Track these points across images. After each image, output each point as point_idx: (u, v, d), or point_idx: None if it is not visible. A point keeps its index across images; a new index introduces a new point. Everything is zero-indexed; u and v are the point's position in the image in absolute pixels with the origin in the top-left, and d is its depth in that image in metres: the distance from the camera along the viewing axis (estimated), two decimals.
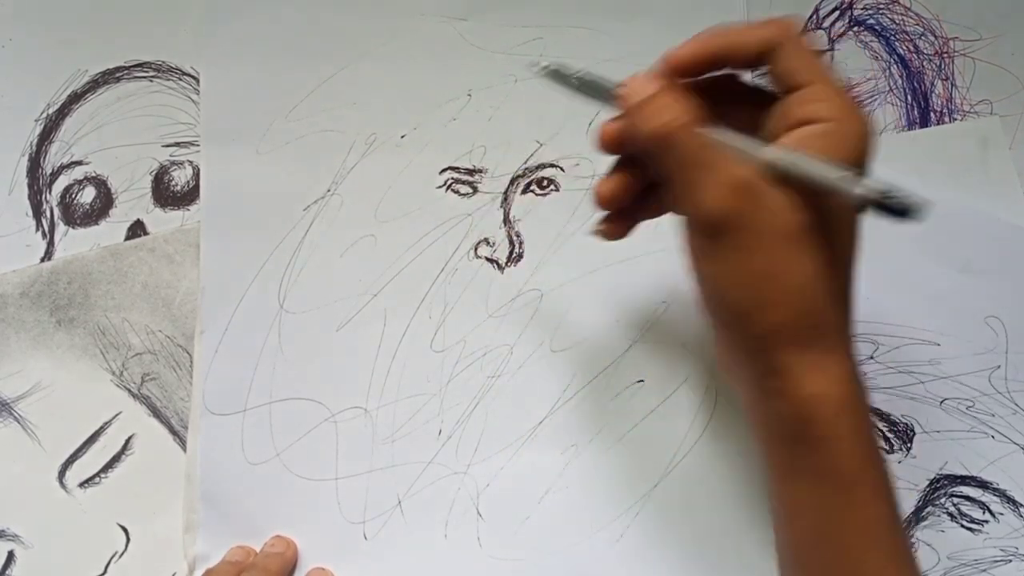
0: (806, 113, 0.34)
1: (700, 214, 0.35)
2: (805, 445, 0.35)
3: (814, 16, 0.53)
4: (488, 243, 0.50)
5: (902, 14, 0.53)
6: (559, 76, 0.39)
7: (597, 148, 0.38)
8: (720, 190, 0.34)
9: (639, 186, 0.39)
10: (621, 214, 0.40)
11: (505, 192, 0.50)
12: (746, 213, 0.34)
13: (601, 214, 0.40)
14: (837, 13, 0.53)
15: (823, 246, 0.34)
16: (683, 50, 0.37)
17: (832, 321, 0.35)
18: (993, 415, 0.49)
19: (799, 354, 0.35)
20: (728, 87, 0.38)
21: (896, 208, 0.31)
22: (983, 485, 0.48)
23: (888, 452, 0.49)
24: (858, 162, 0.34)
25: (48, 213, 0.51)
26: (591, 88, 0.39)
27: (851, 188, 0.32)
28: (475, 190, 0.50)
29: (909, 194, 0.31)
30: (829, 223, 0.34)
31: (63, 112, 0.51)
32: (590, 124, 0.51)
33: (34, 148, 0.51)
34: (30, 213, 0.51)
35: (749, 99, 0.38)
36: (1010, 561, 0.48)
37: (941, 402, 0.49)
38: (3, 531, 0.48)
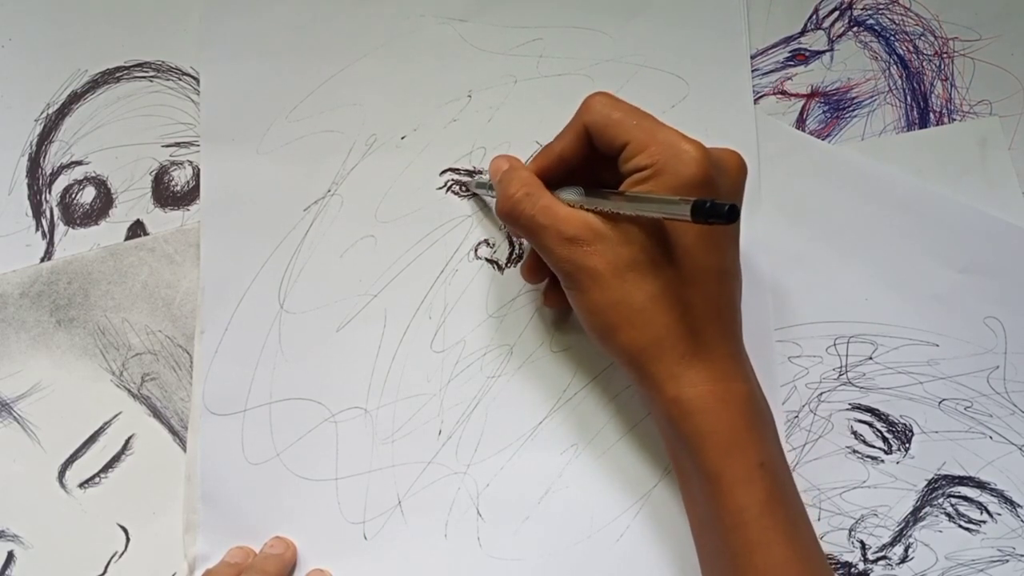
0: (629, 168, 0.40)
1: (551, 266, 0.42)
2: (679, 442, 0.41)
3: (814, 16, 0.53)
4: (488, 244, 0.50)
5: (902, 14, 0.53)
6: (481, 186, 0.49)
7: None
8: (557, 245, 0.41)
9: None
10: (554, 284, 0.47)
11: None
12: (581, 258, 0.40)
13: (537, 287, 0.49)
14: (837, 13, 0.53)
15: (660, 272, 0.40)
16: (531, 165, 0.45)
17: (683, 331, 0.40)
18: (991, 416, 0.49)
19: (657, 363, 0.40)
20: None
21: (708, 212, 0.34)
22: (981, 485, 0.48)
23: (887, 452, 0.49)
24: (692, 186, 0.39)
25: (48, 213, 0.51)
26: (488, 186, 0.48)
27: (670, 211, 0.37)
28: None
29: (717, 202, 0.34)
30: (666, 250, 0.40)
31: (63, 112, 0.51)
32: None
33: (34, 148, 0.51)
34: (30, 213, 0.51)
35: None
36: (1007, 561, 0.48)
37: (939, 402, 0.49)
38: (3, 531, 0.48)
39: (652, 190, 0.39)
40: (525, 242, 0.50)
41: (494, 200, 0.46)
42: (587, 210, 0.41)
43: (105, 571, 0.48)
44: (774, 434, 0.42)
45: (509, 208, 0.43)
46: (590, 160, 0.43)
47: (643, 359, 0.41)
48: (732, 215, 0.34)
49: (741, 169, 0.42)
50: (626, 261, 0.40)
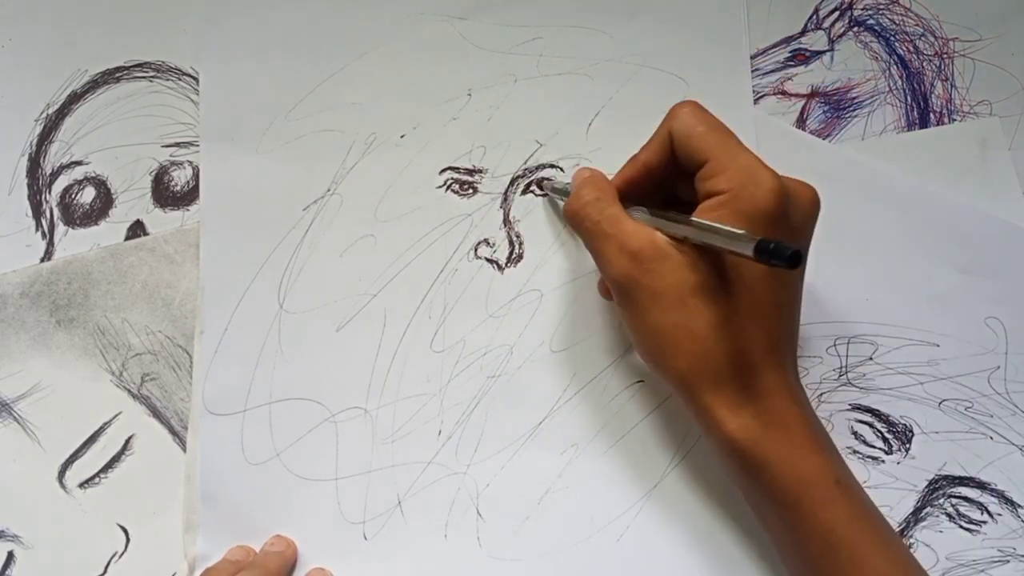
0: (706, 189, 0.40)
1: (607, 277, 0.42)
2: (746, 473, 0.40)
3: (814, 16, 0.53)
4: (488, 243, 0.50)
5: (902, 15, 0.53)
6: (555, 191, 0.49)
7: None
8: (618, 256, 0.40)
9: None
10: None
11: (505, 192, 0.50)
12: (641, 275, 0.40)
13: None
14: (837, 13, 0.53)
15: (722, 301, 0.39)
16: (617, 177, 0.45)
17: (744, 362, 0.39)
18: (992, 416, 0.49)
19: (716, 395, 0.40)
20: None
21: (772, 253, 0.34)
22: (981, 486, 0.48)
23: (887, 453, 0.49)
24: (765, 217, 0.38)
25: (48, 213, 0.51)
26: (563, 192, 0.48)
27: (735, 246, 0.36)
28: (475, 190, 0.50)
29: (783, 245, 0.34)
30: (729, 280, 0.39)
31: (63, 112, 0.51)
32: (590, 125, 0.51)
33: (34, 148, 0.51)
34: (30, 213, 0.51)
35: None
36: (1008, 562, 0.48)
37: (940, 403, 0.49)
38: (3, 531, 0.48)
39: (724, 216, 0.38)
40: (527, 239, 0.50)
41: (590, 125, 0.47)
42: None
43: (105, 571, 0.48)
44: (838, 453, 0.42)
45: (577, 209, 0.43)
46: (671, 174, 0.43)
47: (701, 389, 0.40)
48: (794, 260, 0.33)
49: (814, 203, 0.42)
50: (690, 286, 0.39)
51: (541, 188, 0.50)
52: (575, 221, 0.43)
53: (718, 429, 0.40)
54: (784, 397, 0.40)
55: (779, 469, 0.39)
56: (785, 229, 0.39)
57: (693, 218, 0.39)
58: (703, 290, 0.39)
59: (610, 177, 0.45)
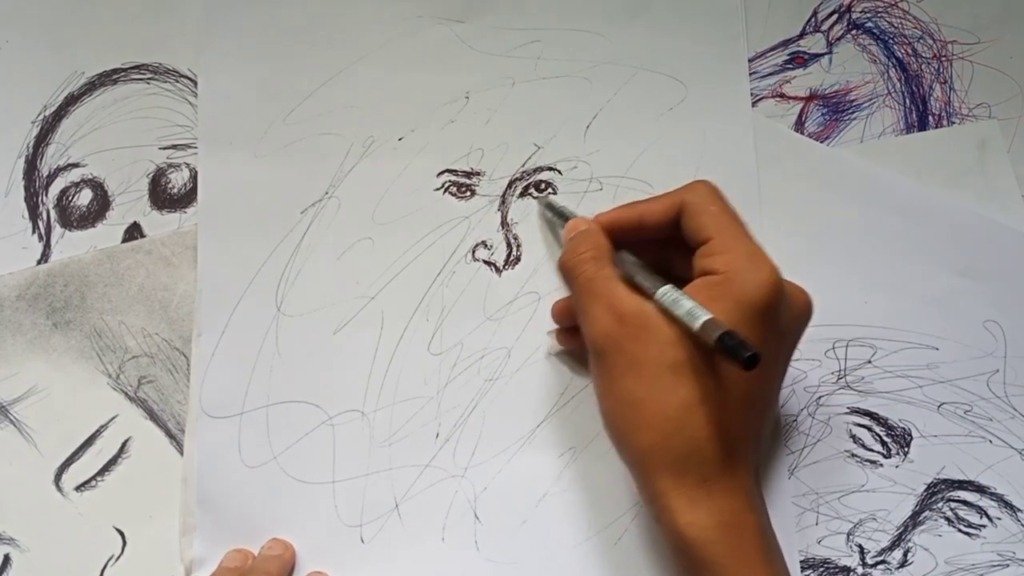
0: (704, 266, 0.40)
1: (588, 336, 0.41)
2: (691, 571, 0.39)
3: (812, 19, 0.53)
4: (486, 246, 0.50)
5: (900, 17, 0.53)
6: (550, 208, 0.49)
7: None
8: (604, 316, 0.40)
9: None
10: (574, 329, 0.45)
11: (503, 195, 0.50)
12: (624, 340, 0.39)
13: (555, 326, 0.48)
14: (835, 16, 0.53)
15: (699, 384, 0.38)
16: (607, 214, 0.44)
17: (709, 453, 0.38)
18: (991, 419, 0.49)
19: (674, 482, 0.38)
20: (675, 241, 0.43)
21: (731, 349, 0.34)
22: (981, 489, 0.48)
23: (886, 456, 0.49)
24: (753, 308, 0.38)
25: (44, 215, 0.51)
26: (557, 213, 0.48)
27: (700, 331, 0.36)
28: (473, 193, 0.50)
29: (745, 344, 0.34)
30: (710, 365, 0.38)
31: (60, 114, 0.51)
32: (587, 127, 0.51)
33: (31, 150, 0.51)
34: (26, 215, 0.51)
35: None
36: (1007, 566, 0.48)
37: (939, 406, 0.49)
38: None
39: (714, 297, 0.38)
40: (525, 242, 0.50)
41: (554, 225, 0.47)
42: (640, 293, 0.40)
43: (102, 574, 0.48)
44: (787, 567, 0.40)
45: (573, 264, 0.42)
46: (663, 240, 0.43)
47: (659, 473, 0.39)
48: (750, 362, 0.33)
49: (807, 309, 0.42)
50: (670, 360, 0.38)
51: (539, 191, 0.50)
52: (570, 275, 0.43)
53: (669, 520, 0.39)
54: (742, 499, 0.39)
55: (723, 573, 0.38)
56: (772, 327, 0.39)
57: (671, 285, 0.39)
58: (683, 368, 0.38)
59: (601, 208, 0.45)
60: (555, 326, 0.48)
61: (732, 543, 0.38)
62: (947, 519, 0.48)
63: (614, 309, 0.40)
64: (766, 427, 0.42)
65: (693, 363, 0.38)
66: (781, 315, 0.39)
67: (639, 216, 0.43)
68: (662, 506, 0.39)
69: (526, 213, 0.50)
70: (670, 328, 0.38)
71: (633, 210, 0.44)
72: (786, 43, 0.53)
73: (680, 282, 0.40)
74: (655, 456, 0.39)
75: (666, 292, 0.39)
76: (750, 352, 0.34)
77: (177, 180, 0.51)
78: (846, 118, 0.52)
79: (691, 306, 0.37)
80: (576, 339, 0.45)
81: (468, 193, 0.50)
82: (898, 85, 0.53)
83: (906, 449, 0.49)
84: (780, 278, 0.39)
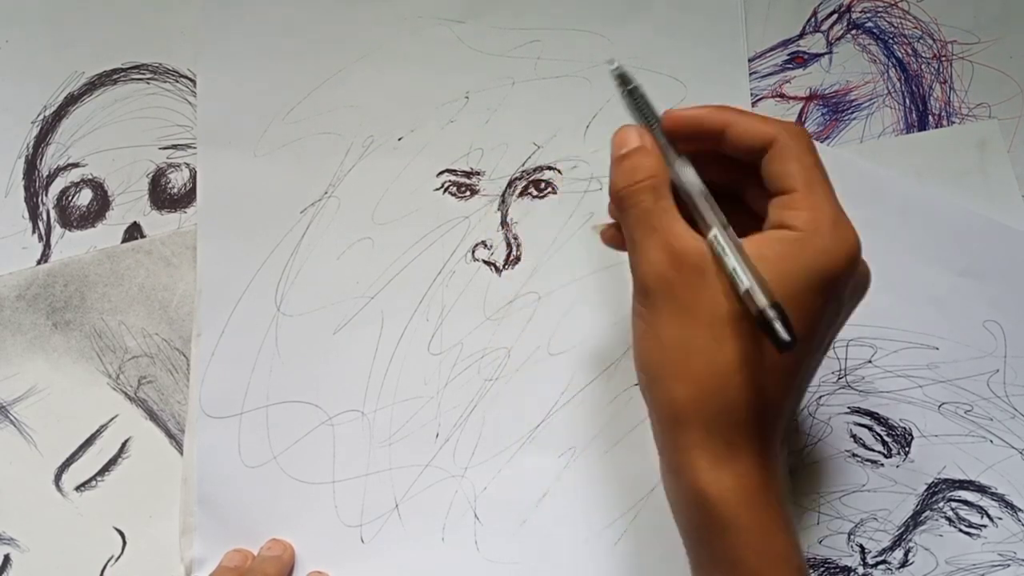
0: (780, 218, 0.36)
1: (637, 272, 0.37)
2: (706, 530, 0.36)
3: (812, 19, 0.53)
4: (486, 246, 0.50)
5: (900, 17, 0.53)
6: (622, 79, 0.40)
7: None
8: (659, 255, 0.36)
9: None
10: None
11: (503, 194, 0.50)
12: (678, 284, 0.35)
13: (610, 220, 0.41)
14: (835, 16, 0.53)
15: (750, 344, 0.35)
16: (686, 112, 0.38)
17: (743, 416, 0.35)
18: (992, 419, 0.49)
19: (702, 438, 0.35)
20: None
21: (768, 330, 0.32)
22: (981, 489, 0.48)
23: (886, 456, 0.48)
24: (824, 275, 0.34)
25: (44, 215, 0.51)
26: (636, 104, 0.40)
27: (745, 298, 0.33)
28: (473, 192, 0.50)
29: (783, 327, 0.32)
30: None
31: (60, 114, 0.51)
32: (587, 127, 0.51)
33: (31, 150, 0.51)
34: (26, 215, 0.51)
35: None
36: (1008, 566, 0.47)
37: (939, 406, 0.49)
38: None
39: (784, 256, 0.34)
40: (525, 242, 0.50)
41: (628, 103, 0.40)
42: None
43: (101, 574, 0.48)
44: (799, 541, 0.38)
45: (628, 193, 0.37)
46: (738, 165, 0.38)
47: (689, 427, 0.36)
48: (786, 347, 0.31)
49: (867, 281, 0.38)
50: (725, 312, 0.34)
51: (539, 191, 0.50)
52: (624, 204, 0.37)
53: (691, 475, 0.36)
54: (766, 468, 0.36)
55: (744, 537, 0.35)
56: (836, 300, 0.36)
57: (720, 230, 0.35)
58: (734, 324, 0.35)
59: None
60: (600, 222, 0.43)
61: (753, 507, 0.36)
62: (948, 519, 0.48)
63: (671, 249, 0.35)
64: (799, 401, 0.39)
65: (746, 322, 0.35)
66: (848, 288, 0.36)
67: (722, 127, 0.37)
68: (684, 460, 0.36)
69: (526, 213, 0.50)
70: (727, 278, 0.35)
71: (717, 116, 0.38)
72: (786, 43, 0.53)
73: (743, 210, 0.38)
74: (688, 409, 0.36)
75: (715, 238, 0.35)
76: (790, 339, 0.31)
77: (177, 180, 0.51)
78: (846, 118, 0.52)
79: (734, 264, 0.34)
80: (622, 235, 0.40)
81: (468, 193, 0.50)
82: (898, 85, 0.53)
83: (907, 449, 0.49)
84: (860, 251, 0.36)
